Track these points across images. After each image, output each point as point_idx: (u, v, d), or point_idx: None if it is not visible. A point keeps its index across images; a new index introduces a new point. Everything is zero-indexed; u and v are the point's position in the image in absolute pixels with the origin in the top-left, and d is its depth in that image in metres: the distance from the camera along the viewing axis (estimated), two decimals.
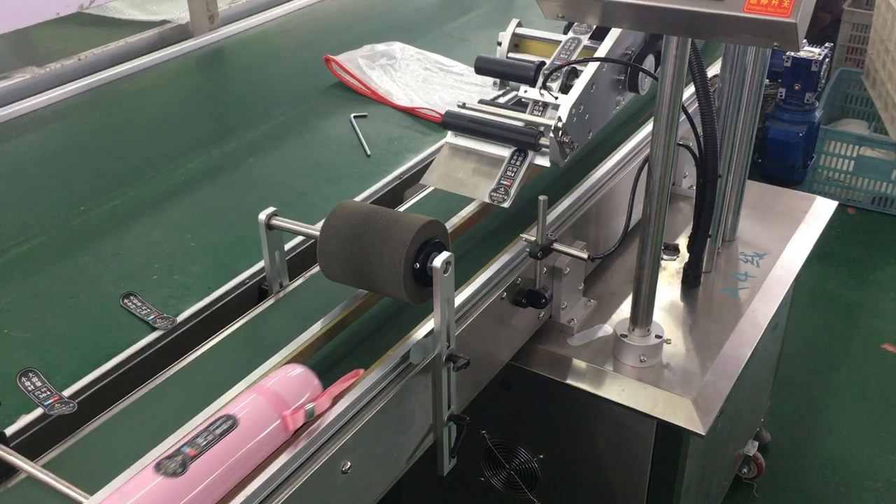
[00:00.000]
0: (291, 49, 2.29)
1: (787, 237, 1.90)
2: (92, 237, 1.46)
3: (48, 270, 1.38)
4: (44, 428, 1.07)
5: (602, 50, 1.43)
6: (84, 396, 1.11)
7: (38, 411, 1.07)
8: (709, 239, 1.68)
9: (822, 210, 2.02)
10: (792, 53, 2.58)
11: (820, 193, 2.16)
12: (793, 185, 2.94)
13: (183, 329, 1.25)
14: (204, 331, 1.25)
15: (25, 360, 1.17)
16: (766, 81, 1.72)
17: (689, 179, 2.01)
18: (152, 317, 1.26)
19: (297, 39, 2.36)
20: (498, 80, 1.58)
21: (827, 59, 2.73)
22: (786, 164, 2.92)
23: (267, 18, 2.46)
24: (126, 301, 1.29)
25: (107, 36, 2.29)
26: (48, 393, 1.10)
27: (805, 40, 1.91)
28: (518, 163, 1.39)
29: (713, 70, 1.88)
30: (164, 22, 2.44)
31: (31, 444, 1.03)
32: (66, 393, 1.11)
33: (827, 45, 2.68)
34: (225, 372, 1.13)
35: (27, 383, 1.11)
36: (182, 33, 2.36)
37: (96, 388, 1.13)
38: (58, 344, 1.21)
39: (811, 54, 2.61)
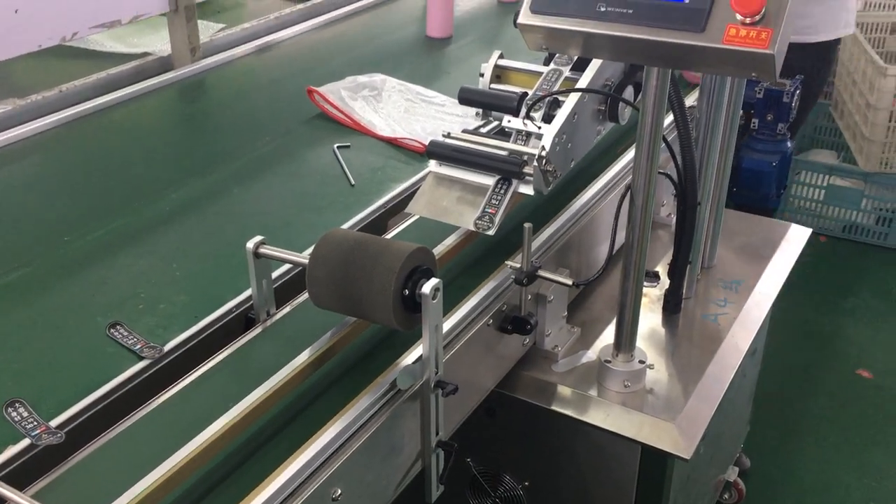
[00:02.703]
0: (274, 81, 2.31)
1: (764, 264, 1.93)
2: (77, 267, 1.46)
3: (33, 301, 1.37)
4: (31, 458, 1.06)
5: (583, 81, 1.47)
6: (71, 426, 1.11)
7: (26, 441, 1.06)
8: (689, 265, 1.71)
9: (796, 237, 2.06)
10: (765, 84, 2.64)
11: (792, 222, 2.21)
12: (767, 214, 2.99)
13: (170, 358, 1.25)
14: (191, 360, 1.25)
15: (12, 390, 1.16)
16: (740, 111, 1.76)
17: (666, 207, 2.04)
18: (139, 346, 1.25)
19: (279, 71, 2.38)
20: (480, 111, 1.61)
21: (797, 90, 2.79)
22: (760, 193, 2.96)
23: (248, 50, 2.48)
24: (112, 331, 1.28)
25: (88, 68, 2.29)
26: (35, 423, 1.09)
27: None
28: (502, 191, 1.42)
29: (690, 100, 1.93)
30: (145, 54, 2.45)
31: (19, 475, 1.02)
32: (54, 423, 1.10)
33: (797, 76, 2.75)
34: (213, 401, 1.13)
35: (13, 414, 1.10)
36: (163, 65, 2.37)
37: (84, 417, 1.13)
38: (44, 374, 1.21)
39: (783, 85, 2.67)
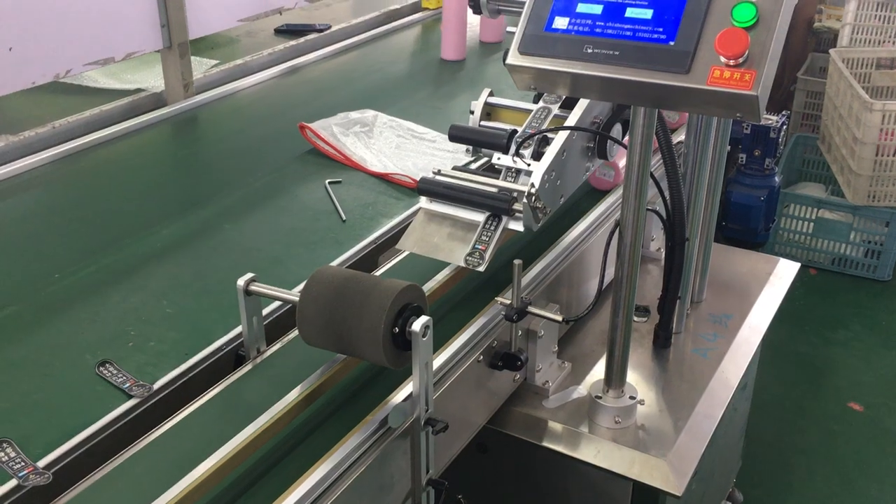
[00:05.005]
0: (266, 116, 2.32)
1: (753, 298, 1.94)
2: (67, 305, 1.46)
3: (23, 339, 1.37)
4: (18, 499, 1.05)
5: (572, 119, 1.48)
6: (59, 467, 1.10)
7: (13, 482, 1.06)
8: (678, 300, 1.71)
9: (785, 271, 2.07)
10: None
11: (782, 255, 2.23)
12: (756, 247, 3.01)
13: (159, 396, 1.25)
14: (181, 398, 1.24)
15: None
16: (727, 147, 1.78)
17: (656, 242, 2.06)
18: (128, 384, 1.25)
19: (271, 107, 2.39)
20: (471, 148, 1.63)
21: (784, 126, 2.84)
22: (748, 227, 3.00)
23: (241, 86, 2.50)
24: (102, 369, 1.28)
25: (81, 104, 2.30)
26: (22, 464, 1.08)
27: None
28: (492, 227, 1.42)
29: (678, 136, 1.95)
30: (138, 90, 2.47)
31: None
32: (41, 463, 1.09)
33: (784, 112, 2.79)
34: (202, 439, 1.12)
35: (1, 454, 1.10)
36: (157, 101, 2.39)
37: (71, 458, 1.12)
38: (32, 413, 1.20)
39: (769, 121, 2.71)
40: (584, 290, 1.73)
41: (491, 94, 1.66)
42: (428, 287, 1.43)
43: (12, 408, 1.21)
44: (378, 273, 1.53)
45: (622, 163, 1.76)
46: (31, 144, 2.08)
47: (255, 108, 2.41)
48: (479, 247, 1.41)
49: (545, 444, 1.53)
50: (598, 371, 1.65)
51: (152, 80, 2.59)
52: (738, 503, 2.39)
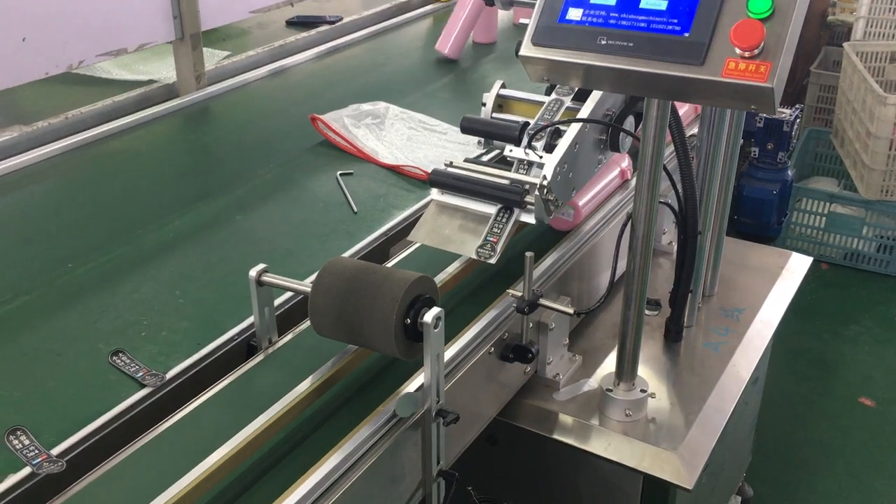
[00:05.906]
0: (278, 108, 2.32)
1: (765, 292, 1.94)
2: (80, 294, 1.46)
3: (36, 328, 1.37)
4: (32, 487, 1.05)
5: (584, 111, 1.48)
6: (72, 455, 1.11)
7: (27, 470, 1.06)
8: (690, 294, 1.71)
9: (797, 266, 2.06)
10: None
11: (793, 249, 2.21)
12: (767, 242, 3.00)
13: (172, 386, 1.25)
14: (193, 387, 1.25)
15: (13, 418, 1.16)
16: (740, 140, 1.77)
17: (668, 235, 2.05)
18: (141, 374, 1.26)
19: (283, 99, 2.39)
20: (482, 140, 1.62)
21: (797, 120, 2.82)
22: (761, 221, 2.98)
23: (253, 78, 2.51)
24: (115, 358, 1.29)
25: (94, 95, 2.31)
26: (36, 451, 1.09)
27: None
28: (504, 220, 1.42)
29: (691, 129, 1.94)
30: (150, 82, 2.48)
31: None
32: (55, 451, 1.10)
33: (797, 105, 2.78)
34: (214, 429, 1.13)
35: (15, 442, 1.10)
36: (169, 93, 2.39)
37: (85, 446, 1.13)
38: (46, 402, 1.21)
39: (783, 115, 2.70)
40: (595, 283, 1.73)
41: (503, 86, 1.66)
42: (439, 279, 1.43)
43: (26, 396, 1.22)
44: (389, 264, 1.53)
45: (582, 201, 1.66)
46: (44, 135, 2.09)
47: (266, 99, 2.41)
48: (491, 239, 1.41)
49: (555, 436, 1.53)
50: (609, 364, 1.65)
51: (164, 71, 2.60)
52: (747, 497, 2.38)
